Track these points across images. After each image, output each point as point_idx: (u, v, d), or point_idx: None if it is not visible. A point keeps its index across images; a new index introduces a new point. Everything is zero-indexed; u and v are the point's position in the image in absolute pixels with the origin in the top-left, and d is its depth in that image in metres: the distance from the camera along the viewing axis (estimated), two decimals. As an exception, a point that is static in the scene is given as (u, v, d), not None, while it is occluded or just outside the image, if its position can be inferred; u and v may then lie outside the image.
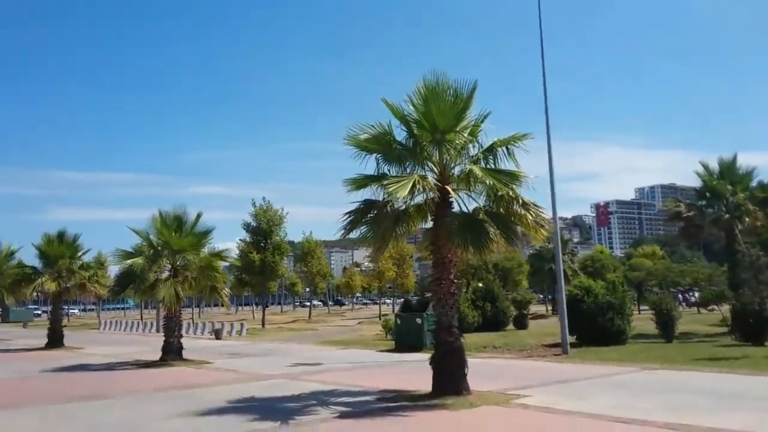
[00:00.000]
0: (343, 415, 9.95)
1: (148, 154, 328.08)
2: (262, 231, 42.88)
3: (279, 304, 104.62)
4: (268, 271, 42.02)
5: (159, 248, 20.49)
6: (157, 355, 20.40)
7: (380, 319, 47.69)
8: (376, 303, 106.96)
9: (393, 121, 11.96)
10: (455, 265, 12.15)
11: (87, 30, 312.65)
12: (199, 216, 21.20)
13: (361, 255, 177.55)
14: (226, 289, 22.28)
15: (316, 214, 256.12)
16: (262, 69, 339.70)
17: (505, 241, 11.53)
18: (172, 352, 20.23)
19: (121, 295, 21.62)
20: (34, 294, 29.07)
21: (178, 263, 20.71)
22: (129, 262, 20.01)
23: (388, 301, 79.20)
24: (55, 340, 28.12)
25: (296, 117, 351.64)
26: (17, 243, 37.04)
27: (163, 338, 20.67)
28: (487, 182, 11.34)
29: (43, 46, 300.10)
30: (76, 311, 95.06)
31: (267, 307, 49.22)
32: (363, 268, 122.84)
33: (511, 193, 11.47)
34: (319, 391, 12.37)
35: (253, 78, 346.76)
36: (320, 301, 73.16)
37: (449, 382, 10.97)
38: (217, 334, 32.26)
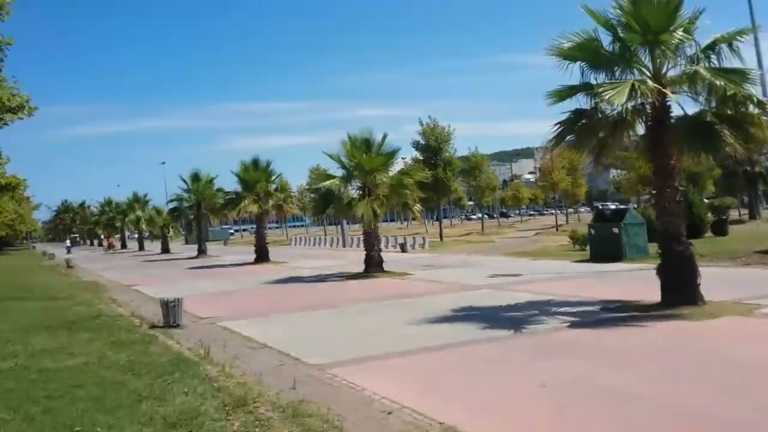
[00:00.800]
0: (574, 325, 10.06)
1: (306, 82, 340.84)
2: (431, 148, 43.24)
3: (446, 218, 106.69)
4: (442, 187, 42.65)
5: (351, 169, 21.66)
6: (358, 268, 21.97)
7: (557, 230, 46.89)
8: (542, 214, 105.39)
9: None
10: (679, 171, 11.48)
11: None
12: (384, 137, 22.03)
13: (521, 167, 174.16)
14: (418, 204, 23.05)
15: (474, 129, 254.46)
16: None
17: (744, 142, 10.59)
18: (373, 265, 21.65)
19: (323, 214, 23.22)
20: (236, 215, 32.13)
21: (369, 182, 21.75)
22: (327, 183, 21.46)
23: (553, 212, 77.05)
24: (262, 256, 31.43)
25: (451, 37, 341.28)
26: (205, 170, 40.70)
27: (364, 252, 22.14)
28: (718, 83, 10.36)
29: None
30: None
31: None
32: (524, 180, 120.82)
33: (743, 92, 10.44)
34: (535, 301, 12.57)
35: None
36: (485, 214, 73.25)
37: (682, 292, 10.55)
38: (402, 248, 33.98)
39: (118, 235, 70.43)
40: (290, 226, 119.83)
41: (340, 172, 21.71)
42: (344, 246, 44.35)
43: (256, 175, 30.47)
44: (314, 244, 47.88)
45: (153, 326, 11.93)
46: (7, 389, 7.15)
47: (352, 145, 21.41)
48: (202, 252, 40.29)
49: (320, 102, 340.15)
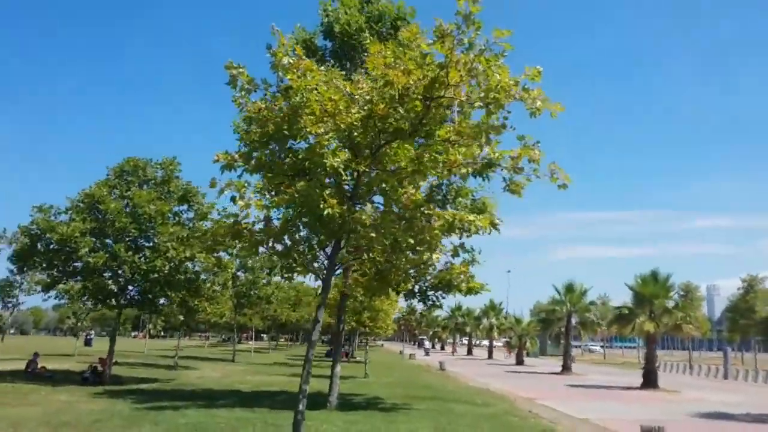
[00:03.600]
0: None
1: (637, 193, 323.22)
2: None
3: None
4: None
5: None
6: None
7: None
8: None
9: None
10: None
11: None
12: None
13: None
14: None
15: None
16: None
17: None
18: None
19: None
20: (633, 332, 29.70)
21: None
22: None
23: None
24: (650, 380, 28.27)
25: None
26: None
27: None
28: None
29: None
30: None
31: None
32: None
33: None
34: None
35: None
36: None
37: None
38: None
39: (465, 341, 73.43)
40: (617, 347, 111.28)
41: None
42: (726, 377, 38.02)
43: (654, 290, 28.11)
44: (681, 371, 42.22)
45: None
46: None
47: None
48: (566, 368, 38.62)
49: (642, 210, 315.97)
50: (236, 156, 9.71)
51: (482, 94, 9.90)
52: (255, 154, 9.89)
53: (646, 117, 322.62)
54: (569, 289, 39.96)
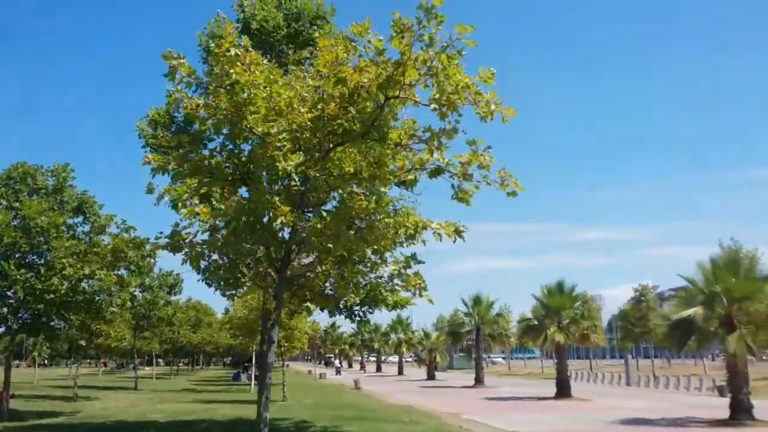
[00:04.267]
0: None
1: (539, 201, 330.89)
2: None
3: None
4: None
5: (713, 296, 19.06)
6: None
7: None
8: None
9: None
10: None
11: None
12: (755, 258, 19.17)
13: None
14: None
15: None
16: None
17: None
18: (743, 411, 18.24)
19: (684, 348, 20.44)
20: (544, 343, 30.26)
21: (734, 311, 18.85)
22: (689, 311, 19.02)
23: None
24: (563, 389, 28.96)
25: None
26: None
27: (730, 395, 18.88)
28: None
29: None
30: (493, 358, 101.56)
31: None
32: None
33: None
34: None
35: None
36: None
37: None
38: (721, 391, 29.03)
39: (373, 358, 72.90)
40: (518, 358, 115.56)
41: (700, 298, 19.19)
42: (628, 384, 39.92)
43: (560, 301, 28.88)
44: (585, 380, 44.02)
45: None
46: None
47: (714, 267, 19.00)
48: (479, 381, 39.00)
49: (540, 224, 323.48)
50: (170, 158, 8.59)
51: (437, 96, 9.38)
52: (192, 156, 8.81)
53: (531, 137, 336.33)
54: (477, 301, 40.22)
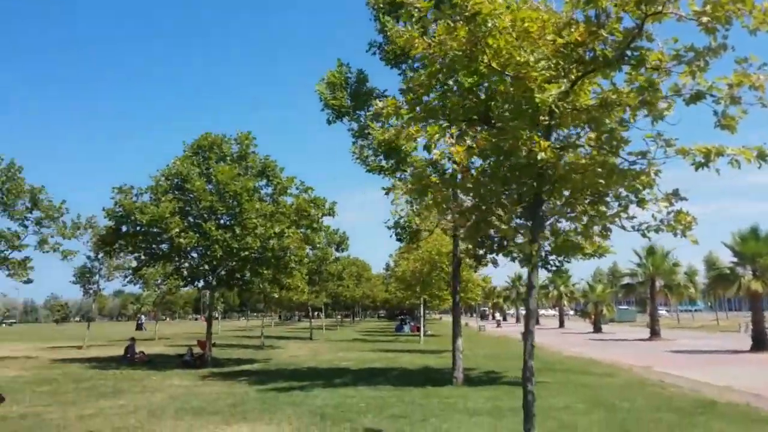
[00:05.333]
0: None
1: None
2: None
3: None
4: None
5: None
6: None
7: None
8: None
9: None
10: None
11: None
12: None
13: None
14: None
15: None
16: None
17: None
18: None
19: None
20: (738, 293, 27.69)
21: None
22: None
23: None
24: (759, 342, 26.41)
25: None
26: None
27: None
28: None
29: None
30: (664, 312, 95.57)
31: None
32: None
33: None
34: None
35: None
36: None
37: None
38: None
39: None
40: (682, 311, 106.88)
41: None
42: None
43: (756, 246, 26.10)
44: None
45: None
46: None
47: None
48: (654, 333, 36.87)
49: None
50: (404, 102, 8.46)
51: (707, 7, 8.08)
52: (425, 99, 8.59)
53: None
54: (650, 251, 37.99)
